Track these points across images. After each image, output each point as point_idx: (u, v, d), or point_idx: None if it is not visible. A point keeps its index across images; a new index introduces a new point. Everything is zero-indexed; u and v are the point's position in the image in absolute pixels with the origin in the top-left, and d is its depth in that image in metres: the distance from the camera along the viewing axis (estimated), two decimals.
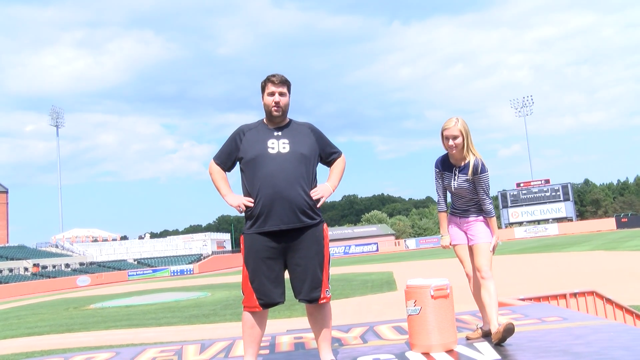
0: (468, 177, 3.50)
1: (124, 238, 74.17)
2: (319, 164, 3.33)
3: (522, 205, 66.81)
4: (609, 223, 60.36)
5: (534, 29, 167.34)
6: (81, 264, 55.53)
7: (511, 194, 67.63)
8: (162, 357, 3.79)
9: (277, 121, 3.22)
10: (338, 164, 3.38)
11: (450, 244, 3.73)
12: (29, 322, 15.60)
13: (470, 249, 3.60)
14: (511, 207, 67.05)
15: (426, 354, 3.11)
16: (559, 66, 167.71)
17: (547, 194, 65.99)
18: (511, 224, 66.38)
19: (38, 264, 50.67)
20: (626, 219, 60.17)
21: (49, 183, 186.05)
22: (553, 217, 64.88)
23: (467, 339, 3.49)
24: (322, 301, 3.10)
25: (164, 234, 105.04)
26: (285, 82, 3.20)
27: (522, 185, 68.08)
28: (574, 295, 5.86)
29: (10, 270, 48.49)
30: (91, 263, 56.83)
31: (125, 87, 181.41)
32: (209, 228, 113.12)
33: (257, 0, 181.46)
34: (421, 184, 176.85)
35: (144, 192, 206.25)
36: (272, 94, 3.17)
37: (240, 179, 3.25)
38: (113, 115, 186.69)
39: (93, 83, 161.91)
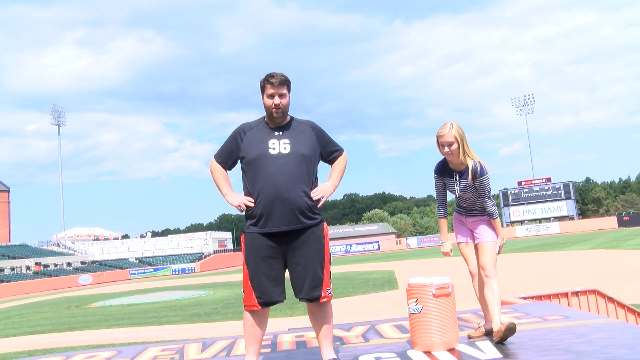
0: (469, 182, 3.49)
1: (126, 237, 74.30)
2: (320, 161, 3.32)
3: (523, 204, 66.76)
4: (611, 221, 60.30)
5: (534, 28, 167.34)
6: (83, 262, 55.60)
7: (512, 192, 67.57)
8: (163, 355, 3.79)
9: (278, 121, 3.21)
10: (339, 162, 3.36)
11: (450, 251, 3.72)
12: (31, 321, 15.62)
13: (476, 247, 3.61)
14: (512, 205, 67.00)
15: (428, 353, 3.11)
16: (559, 65, 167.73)
17: (549, 192, 65.92)
18: (512, 222, 66.33)
19: (40, 263, 50.74)
20: (628, 218, 60.07)
21: (51, 182, 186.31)
22: (554, 216, 64.81)
23: (469, 337, 3.49)
24: (322, 300, 3.09)
25: (166, 232, 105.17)
26: (284, 82, 3.15)
27: (523, 183, 68.04)
28: (576, 293, 5.85)
29: (12, 269, 48.56)
30: (93, 262, 56.89)
31: (126, 85, 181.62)
32: (210, 227, 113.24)
33: None
34: (422, 182, 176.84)
35: (145, 191, 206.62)
36: (271, 96, 3.13)
37: (242, 178, 3.24)
38: (114, 114, 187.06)
39: (94, 82, 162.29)
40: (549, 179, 67.20)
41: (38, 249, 57.99)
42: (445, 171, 3.58)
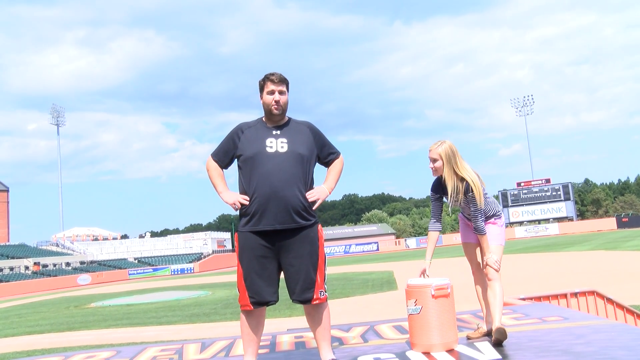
0: (458, 200, 3.50)
1: (125, 237, 74.22)
2: (317, 164, 3.31)
3: (522, 205, 66.73)
4: (610, 223, 60.27)
5: (534, 29, 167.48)
6: (82, 262, 55.55)
7: (512, 193, 67.56)
8: (162, 355, 3.79)
9: (276, 120, 3.21)
10: (335, 165, 3.36)
11: (425, 272, 3.47)
12: (29, 321, 15.60)
13: (480, 249, 3.61)
14: (512, 206, 66.98)
15: (427, 354, 3.11)
16: (559, 66, 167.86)
17: (548, 193, 65.91)
18: (512, 223, 66.30)
19: (39, 263, 50.68)
20: (627, 219, 60.07)
21: (50, 181, 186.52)
22: (553, 217, 64.81)
23: (468, 338, 3.49)
24: (315, 302, 3.08)
25: (165, 232, 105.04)
26: (284, 81, 3.18)
27: (522, 184, 68.02)
28: (575, 295, 5.85)
29: (11, 268, 48.50)
30: (92, 262, 56.83)
31: (126, 85, 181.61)
32: (209, 227, 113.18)
33: None
34: (422, 183, 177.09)
35: (144, 191, 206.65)
36: (272, 92, 3.15)
37: (238, 177, 3.24)
38: (114, 113, 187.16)
39: (95, 82, 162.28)
40: (548, 180, 67.19)
41: (37, 249, 57.91)
42: (441, 189, 3.56)
